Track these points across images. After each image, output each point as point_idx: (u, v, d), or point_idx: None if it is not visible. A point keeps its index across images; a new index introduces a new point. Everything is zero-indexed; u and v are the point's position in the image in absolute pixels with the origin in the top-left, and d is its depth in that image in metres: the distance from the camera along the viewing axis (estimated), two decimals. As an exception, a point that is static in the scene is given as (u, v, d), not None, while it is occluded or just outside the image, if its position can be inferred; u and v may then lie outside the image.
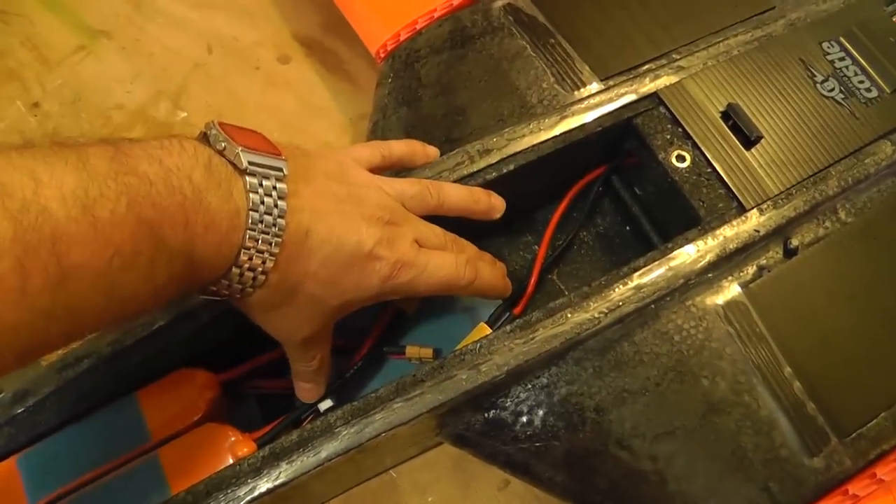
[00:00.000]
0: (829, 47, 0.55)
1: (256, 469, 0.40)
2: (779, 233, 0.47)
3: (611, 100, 0.50)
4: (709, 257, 0.45)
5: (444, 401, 0.40)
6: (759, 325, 0.45)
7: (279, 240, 0.35)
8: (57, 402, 0.43)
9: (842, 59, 0.54)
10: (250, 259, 0.35)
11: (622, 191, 0.53)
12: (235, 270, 0.35)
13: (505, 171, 0.47)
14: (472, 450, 0.44)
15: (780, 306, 0.46)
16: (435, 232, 0.43)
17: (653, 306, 0.44)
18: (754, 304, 0.45)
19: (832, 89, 0.53)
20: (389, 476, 0.50)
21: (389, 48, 0.55)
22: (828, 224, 0.49)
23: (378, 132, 0.52)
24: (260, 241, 0.35)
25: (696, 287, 0.45)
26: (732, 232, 0.46)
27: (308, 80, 0.63)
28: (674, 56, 0.53)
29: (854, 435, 0.43)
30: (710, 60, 0.52)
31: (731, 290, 0.46)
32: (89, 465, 0.44)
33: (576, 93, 0.51)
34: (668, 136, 0.49)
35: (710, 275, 0.45)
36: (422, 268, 0.41)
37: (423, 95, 0.52)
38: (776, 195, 0.48)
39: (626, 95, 0.50)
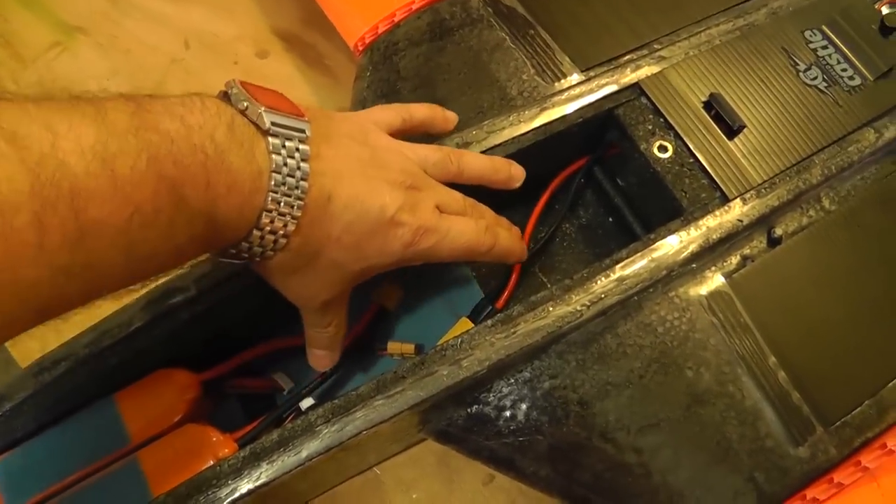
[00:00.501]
0: (811, 36, 0.54)
1: (237, 470, 0.39)
2: (762, 222, 0.47)
3: (592, 91, 0.49)
4: (692, 248, 0.45)
5: (426, 397, 0.40)
6: (743, 315, 0.45)
7: (301, 202, 0.35)
8: (34, 406, 0.43)
9: (824, 47, 0.54)
10: (272, 222, 0.34)
11: (604, 182, 0.53)
12: (256, 233, 0.34)
13: (485, 164, 0.46)
14: (456, 446, 0.44)
15: (765, 296, 0.46)
16: (455, 198, 0.43)
17: (636, 298, 0.44)
18: (738, 294, 0.45)
19: (815, 78, 0.52)
20: (374, 473, 0.49)
21: (368, 41, 0.55)
22: (811, 213, 0.49)
23: (358, 127, 0.51)
24: (282, 204, 0.34)
25: (680, 278, 0.45)
26: (715, 222, 0.46)
27: (287, 75, 0.63)
28: (655, 46, 0.52)
29: (838, 423, 0.43)
30: (691, 50, 0.52)
31: (714, 281, 0.45)
32: (68, 469, 0.43)
33: (556, 84, 0.50)
34: (650, 127, 0.49)
35: (693, 265, 0.45)
36: (444, 234, 0.40)
37: (402, 88, 0.52)
38: (759, 185, 0.47)
39: (607, 86, 0.50)
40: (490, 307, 0.47)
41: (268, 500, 0.43)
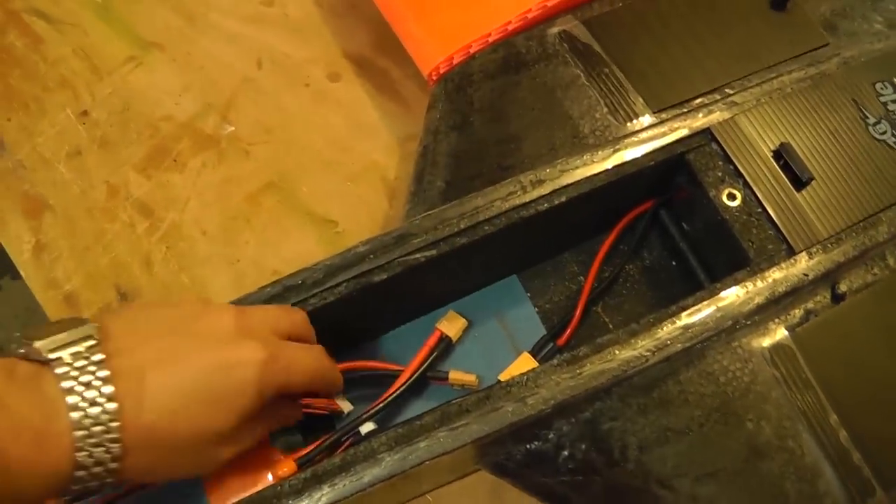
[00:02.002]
0: (882, 88, 0.54)
1: (298, 491, 0.40)
2: (827, 277, 0.47)
3: (664, 134, 0.50)
4: (757, 299, 0.45)
5: (489, 432, 0.40)
6: (805, 371, 0.45)
7: (116, 424, 0.33)
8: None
9: (895, 101, 0.54)
10: (90, 456, 0.32)
11: (670, 225, 0.53)
12: (81, 473, 0.33)
13: (556, 202, 0.47)
14: (512, 480, 0.44)
15: (827, 352, 0.45)
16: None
17: (699, 346, 0.44)
18: (801, 348, 0.45)
19: (884, 132, 0.52)
20: (426, 500, 0.50)
21: (442, 71, 0.55)
22: (876, 270, 0.48)
23: (428, 155, 0.52)
24: (94, 437, 0.32)
25: (743, 329, 0.45)
26: (781, 275, 0.46)
27: (357, 99, 0.63)
28: (727, 91, 0.52)
29: (899, 487, 0.43)
30: (763, 97, 0.52)
31: (777, 334, 0.45)
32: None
33: (628, 125, 0.51)
34: (720, 174, 0.49)
35: (757, 317, 0.45)
36: (290, 356, 0.40)
37: (475, 121, 0.52)
38: (825, 239, 0.47)
39: (678, 130, 0.50)
40: (552, 344, 0.48)
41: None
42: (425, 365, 0.48)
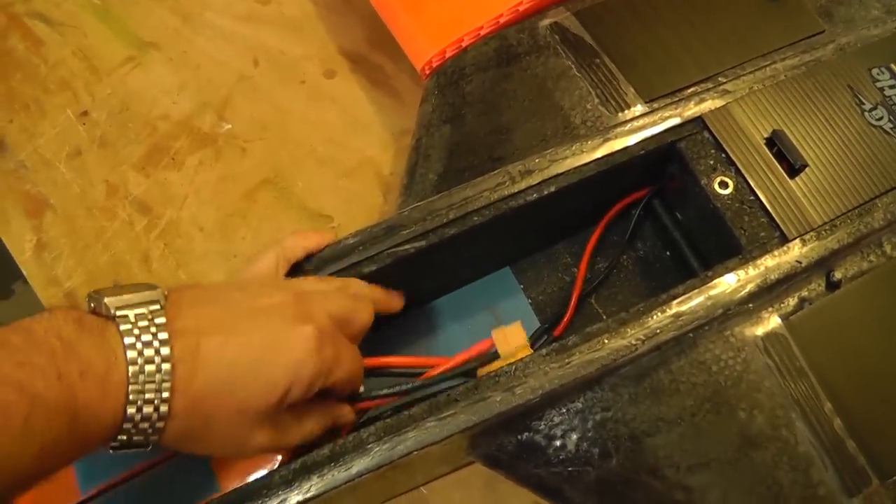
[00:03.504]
0: (878, 74, 0.54)
1: (288, 481, 0.40)
2: (821, 265, 0.46)
3: (654, 123, 0.49)
4: (749, 287, 0.44)
5: (477, 421, 0.40)
6: (799, 359, 0.44)
7: (167, 384, 0.34)
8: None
9: (892, 86, 0.53)
10: (139, 410, 0.33)
11: (663, 215, 0.53)
12: (128, 426, 0.33)
13: (546, 192, 0.47)
14: (504, 471, 0.44)
15: (822, 340, 0.45)
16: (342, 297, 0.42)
17: (691, 335, 0.44)
18: (794, 336, 0.45)
19: (881, 118, 0.52)
20: (420, 493, 0.50)
21: (435, 65, 0.55)
22: (872, 258, 0.48)
23: (421, 149, 0.52)
24: (146, 394, 0.33)
25: (736, 317, 0.44)
26: (774, 262, 0.45)
27: (353, 95, 0.64)
28: (720, 79, 0.52)
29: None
30: (756, 85, 0.52)
31: (771, 322, 0.45)
32: (140, 457, 0.44)
33: (620, 115, 0.51)
34: (712, 162, 0.49)
35: (749, 305, 0.45)
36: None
37: (468, 113, 0.53)
38: (820, 226, 0.47)
39: (670, 119, 0.50)
40: (547, 335, 0.48)
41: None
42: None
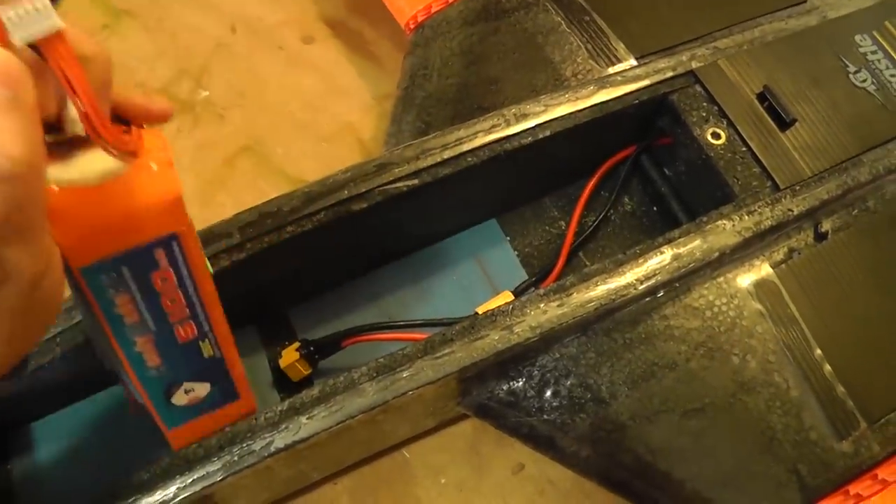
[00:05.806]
0: (861, 40, 0.55)
1: (274, 423, 0.38)
2: (810, 215, 0.46)
3: (648, 74, 0.49)
4: (744, 233, 0.44)
5: (476, 360, 0.39)
6: (789, 306, 0.44)
7: None
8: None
9: (874, 52, 0.54)
10: None
11: (651, 171, 0.53)
12: None
13: (541, 136, 0.46)
14: (495, 421, 0.43)
15: (811, 289, 0.45)
16: None
17: (685, 280, 0.43)
18: (785, 284, 0.45)
19: (865, 80, 0.52)
20: (402, 457, 0.48)
21: (420, 19, 0.54)
22: (857, 212, 0.48)
23: (407, 98, 0.51)
24: None
25: (729, 264, 0.44)
26: (767, 209, 0.45)
27: (332, 61, 0.63)
28: (709, 38, 0.52)
29: (883, 420, 0.43)
30: (745, 44, 0.52)
31: (762, 270, 0.45)
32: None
33: (611, 68, 0.50)
34: (704, 114, 0.48)
35: (742, 252, 0.45)
36: None
37: (455, 63, 0.52)
38: (809, 177, 0.47)
39: (663, 71, 0.49)
40: (534, 289, 0.47)
41: (297, 462, 0.42)
42: None
